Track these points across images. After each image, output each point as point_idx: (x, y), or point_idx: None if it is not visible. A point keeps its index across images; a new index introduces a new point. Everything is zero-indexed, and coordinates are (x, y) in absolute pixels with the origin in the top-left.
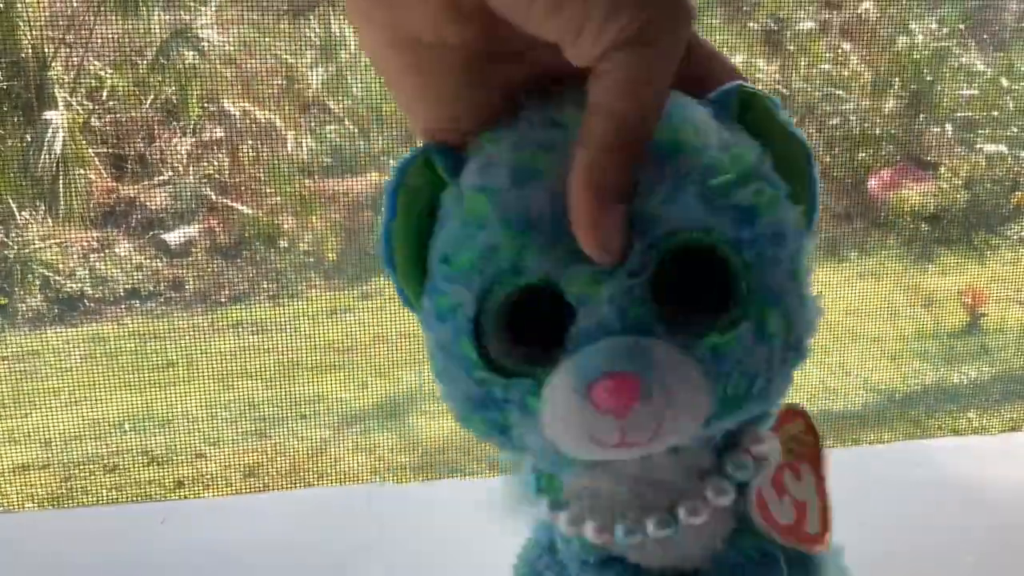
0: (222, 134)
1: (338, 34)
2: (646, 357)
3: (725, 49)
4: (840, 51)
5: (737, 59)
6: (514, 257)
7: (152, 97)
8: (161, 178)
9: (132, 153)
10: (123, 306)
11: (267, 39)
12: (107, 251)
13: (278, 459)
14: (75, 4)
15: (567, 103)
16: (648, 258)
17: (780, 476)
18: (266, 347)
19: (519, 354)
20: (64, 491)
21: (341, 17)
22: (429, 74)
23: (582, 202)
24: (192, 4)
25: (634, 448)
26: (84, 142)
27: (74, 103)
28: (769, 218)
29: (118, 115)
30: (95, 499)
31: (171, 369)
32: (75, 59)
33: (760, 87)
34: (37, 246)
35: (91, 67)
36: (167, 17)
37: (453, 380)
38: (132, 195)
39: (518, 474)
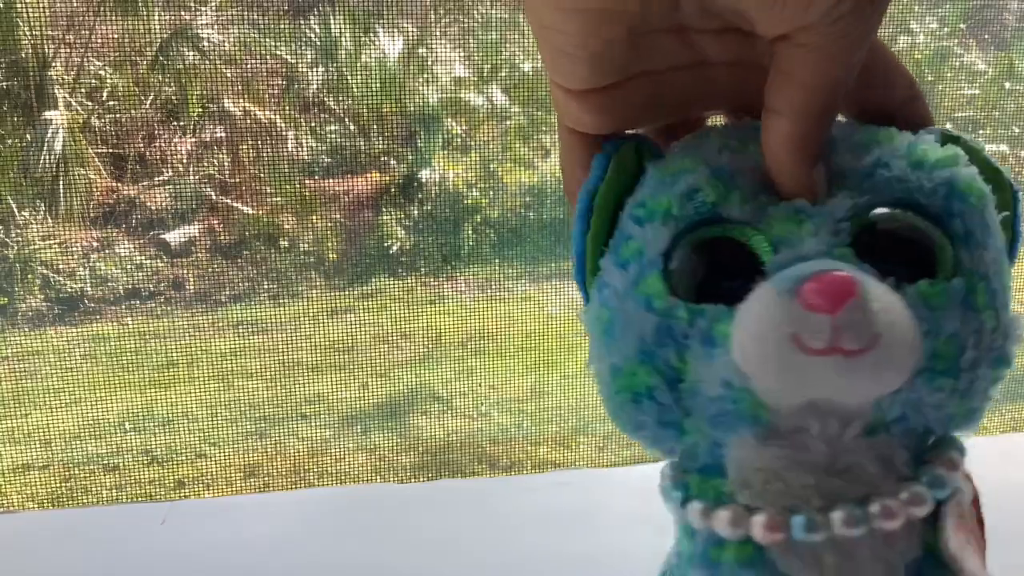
0: (222, 134)
1: (338, 34)
2: (859, 270)
3: None
4: None
5: None
6: (717, 199)
7: (152, 97)
8: (161, 178)
9: (132, 153)
10: (124, 306)
11: (267, 39)
12: (107, 251)
13: (279, 459)
14: (75, 4)
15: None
16: (855, 210)
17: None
18: (267, 347)
19: (705, 296)
20: (64, 491)
21: (341, 17)
22: (591, 27)
23: (786, 164)
24: (192, 4)
25: (848, 359)
26: (84, 142)
27: (74, 103)
28: (978, 201)
29: (118, 115)
30: (96, 499)
31: (172, 369)
32: (75, 59)
33: None
34: (37, 246)
35: (91, 67)
36: (167, 17)
37: (624, 326)
38: (132, 195)
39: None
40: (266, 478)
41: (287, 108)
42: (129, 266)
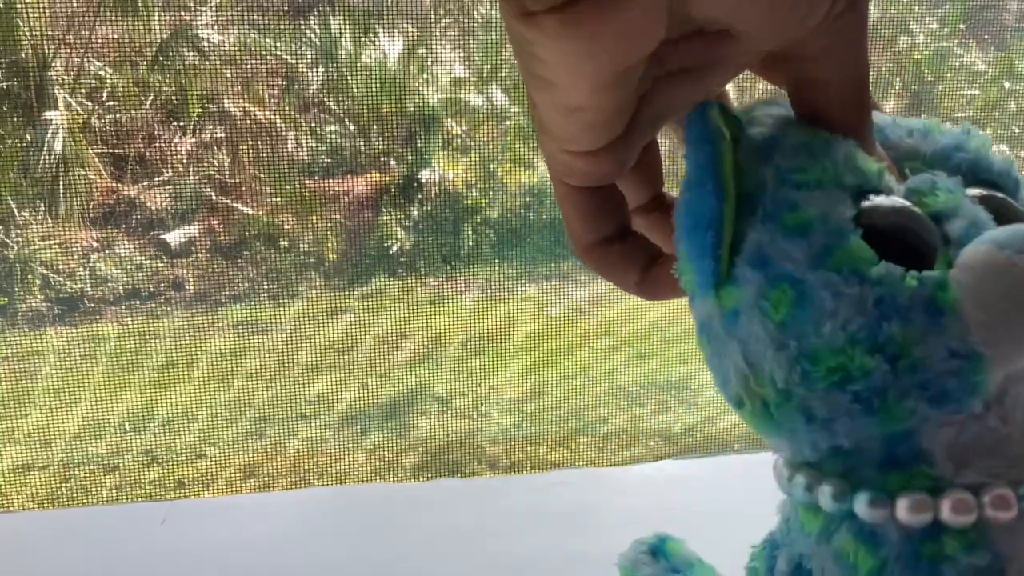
0: (222, 134)
1: (338, 34)
2: None
3: None
4: None
5: None
6: (878, 170)
7: (152, 97)
8: (161, 178)
9: (132, 153)
10: (123, 306)
11: (267, 39)
12: (107, 251)
13: (279, 459)
14: (75, 4)
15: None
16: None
17: None
18: (267, 347)
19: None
20: (64, 491)
21: (341, 17)
22: (619, 90)
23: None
24: (192, 4)
25: None
26: (84, 142)
27: (74, 103)
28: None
29: (118, 115)
30: (95, 499)
31: (172, 369)
32: (75, 59)
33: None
34: (37, 246)
35: (91, 67)
36: (167, 17)
37: (834, 300)
38: (132, 195)
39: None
40: (266, 478)
41: (287, 108)
42: (129, 266)
